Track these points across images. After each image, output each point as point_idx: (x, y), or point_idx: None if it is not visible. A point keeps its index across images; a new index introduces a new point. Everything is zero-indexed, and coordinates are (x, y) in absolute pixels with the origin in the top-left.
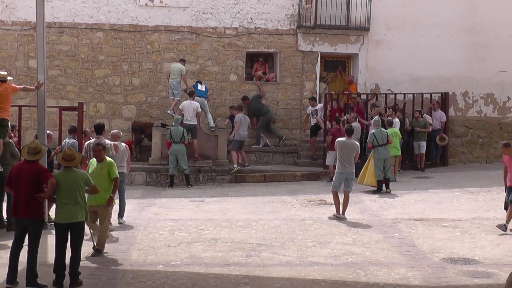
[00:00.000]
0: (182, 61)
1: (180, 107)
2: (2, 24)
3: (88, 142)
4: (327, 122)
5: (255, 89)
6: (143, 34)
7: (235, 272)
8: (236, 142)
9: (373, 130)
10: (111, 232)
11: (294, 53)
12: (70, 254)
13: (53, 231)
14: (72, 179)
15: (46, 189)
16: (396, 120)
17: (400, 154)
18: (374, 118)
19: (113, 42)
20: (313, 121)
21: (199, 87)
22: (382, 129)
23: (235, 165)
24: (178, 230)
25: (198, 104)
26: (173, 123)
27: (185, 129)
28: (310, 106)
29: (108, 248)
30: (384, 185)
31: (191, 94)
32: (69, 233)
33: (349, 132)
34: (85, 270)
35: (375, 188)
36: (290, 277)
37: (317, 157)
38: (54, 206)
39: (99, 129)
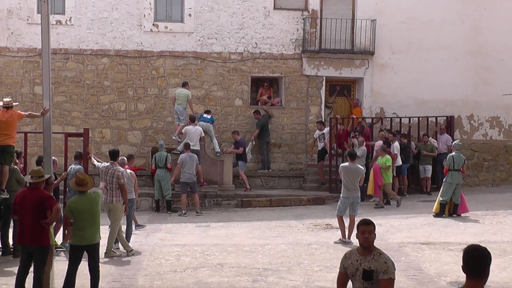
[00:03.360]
0: (185, 84)
1: (183, 131)
2: (8, 51)
3: (102, 165)
4: (335, 146)
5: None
6: (148, 60)
7: None
8: (181, 184)
9: (453, 153)
10: (118, 258)
11: (299, 78)
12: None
13: (58, 257)
14: (88, 202)
15: (51, 215)
16: (396, 145)
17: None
18: (455, 142)
19: (118, 68)
20: (320, 145)
21: (205, 114)
22: (461, 154)
23: (184, 211)
24: (184, 256)
25: (201, 129)
26: (158, 148)
27: (168, 154)
28: (317, 130)
29: (114, 273)
30: (449, 210)
31: (193, 119)
32: (85, 253)
33: (352, 157)
34: None
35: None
36: None
37: (325, 181)
38: (60, 231)
39: (113, 155)
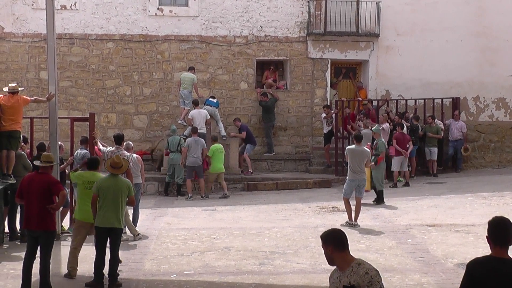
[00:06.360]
0: (192, 69)
1: (189, 116)
2: (13, 36)
3: (107, 149)
4: (341, 128)
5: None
6: (153, 44)
7: (249, 281)
8: (187, 168)
9: (381, 139)
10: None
11: (304, 61)
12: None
13: (65, 241)
14: (116, 185)
15: (57, 201)
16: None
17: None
18: (375, 128)
19: (123, 53)
20: (326, 129)
21: (211, 99)
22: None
23: (189, 194)
24: (191, 239)
25: (206, 112)
26: (170, 133)
27: (181, 138)
28: (324, 114)
29: (121, 257)
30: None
31: (197, 103)
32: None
33: (358, 139)
34: None
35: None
36: (303, 284)
37: (331, 164)
38: (67, 216)
39: (118, 140)
